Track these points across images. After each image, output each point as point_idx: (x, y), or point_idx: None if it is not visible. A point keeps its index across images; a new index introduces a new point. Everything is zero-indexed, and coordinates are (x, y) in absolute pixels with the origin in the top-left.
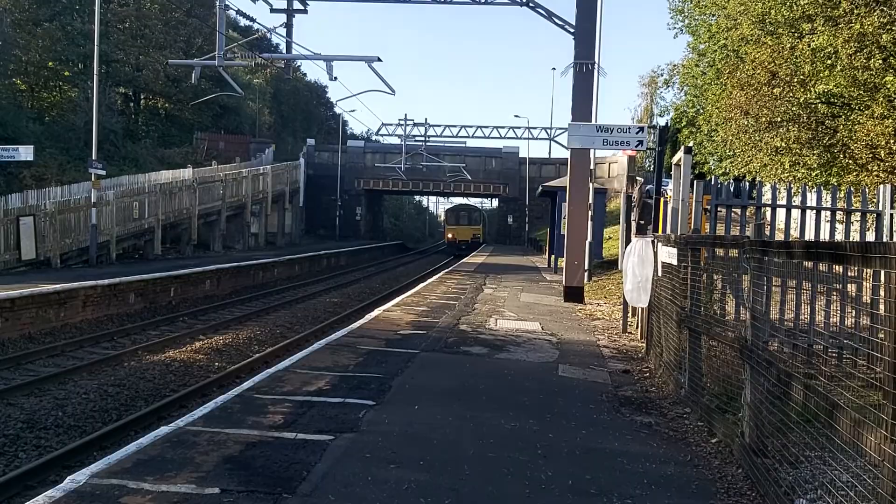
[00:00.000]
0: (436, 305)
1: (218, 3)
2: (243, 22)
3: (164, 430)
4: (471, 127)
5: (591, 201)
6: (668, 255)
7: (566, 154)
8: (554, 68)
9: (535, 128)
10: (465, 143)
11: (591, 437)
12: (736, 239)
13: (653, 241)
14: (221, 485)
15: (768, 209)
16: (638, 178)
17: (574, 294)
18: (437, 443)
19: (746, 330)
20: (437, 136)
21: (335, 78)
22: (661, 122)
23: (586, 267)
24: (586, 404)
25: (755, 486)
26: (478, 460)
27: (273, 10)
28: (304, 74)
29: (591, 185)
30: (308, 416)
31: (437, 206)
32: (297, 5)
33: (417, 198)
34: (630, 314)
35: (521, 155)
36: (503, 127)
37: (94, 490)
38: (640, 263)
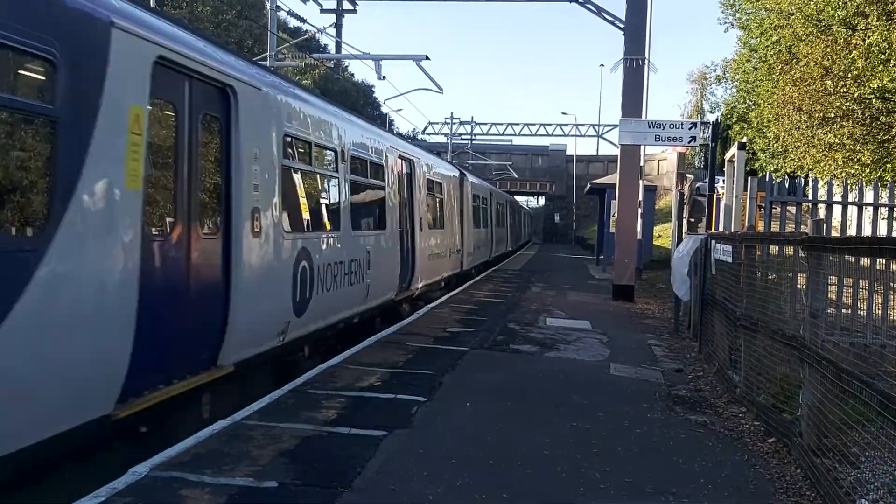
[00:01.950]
0: (483, 303)
1: (269, 5)
2: (293, 23)
3: (220, 423)
4: (517, 125)
5: (640, 199)
6: (723, 252)
7: (614, 151)
8: (602, 65)
9: (582, 125)
10: (511, 140)
11: (645, 436)
12: (794, 236)
13: (706, 239)
14: (278, 478)
15: (823, 206)
16: (688, 174)
17: (624, 292)
18: (489, 440)
19: (804, 328)
20: (483, 134)
21: (384, 77)
22: (711, 118)
23: (636, 265)
24: (639, 403)
25: (815, 487)
26: (531, 458)
27: (323, 11)
28: (352, 74)
29: (640, 182)
30: (361, 412)
31: None
32: (346, 5)
33: None
34: (682, 312)
35: (568, 152)
36: (550, 124)
37: (155, 482)
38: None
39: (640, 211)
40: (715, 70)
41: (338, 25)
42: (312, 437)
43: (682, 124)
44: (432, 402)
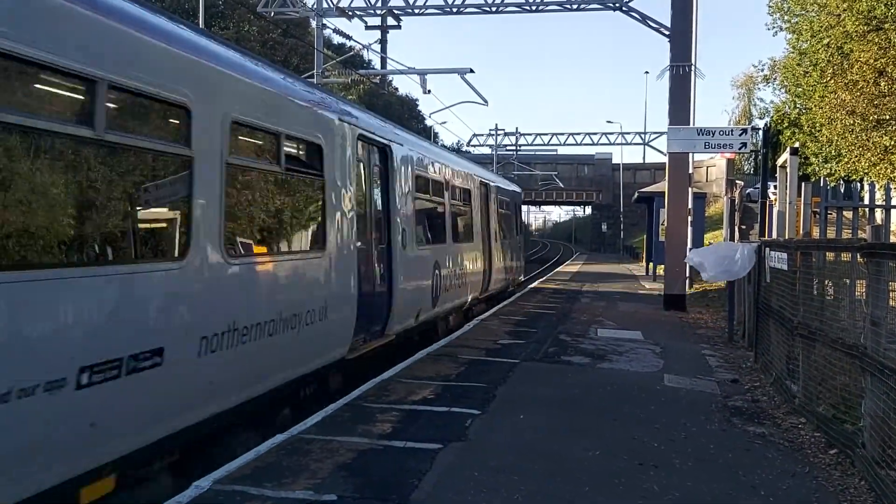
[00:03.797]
0: (533, 315)
1: (316, 23)
2: (337, 40)
3: (279, 437)
4: (562, 134)
5: (690, 206)
6: (778, 260)
7: (661, 159)
8: (647, 72)
9: (628, 133)
10: (556, 150)
11: (702, 448)
12: (852, 242)
13: (760, 246)
14: (337, 491)
15: (881, 210)
16: (737, 181)
17: (675, 302)
18: (545, 452)
19: (865, 337)
20: (527, 144)
21: (429, 91)
22: (761, 123)
23: (687, 274)
24: (695, 415)
25: (880, 499)
26: (587, 470)
27: (368, 28)
28: (396, 89)
29: (690, 189)
30: (415, 425)
31: (529, 214)
32: (391, 21)
33: None
34: (736, 322)
35: (614, 161)
36: (595, 133)
37: (218, 496)
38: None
39: (689, 219)
40: (762, 70)
41: (382, 41)
42: (369, 450)
43: (731, 131)
44: (486, 414)
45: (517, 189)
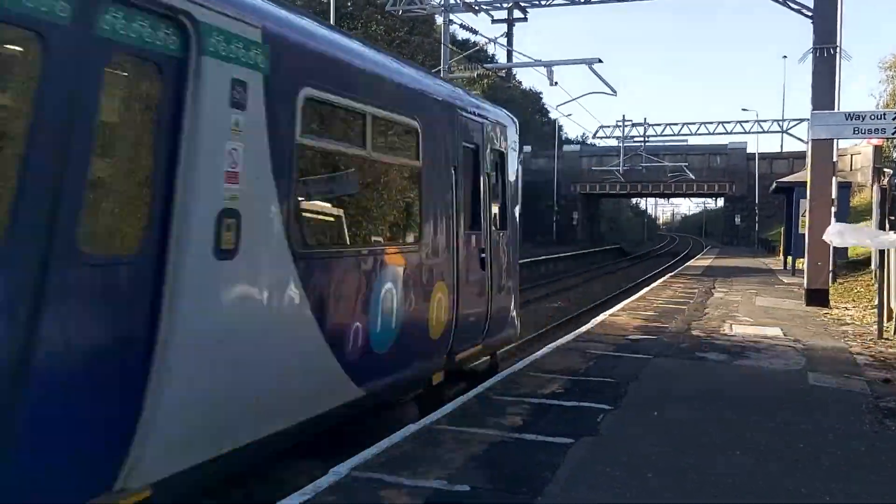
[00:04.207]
0: (663, 310)
1: (443, 19)
2: (461, 35)
3: (412, 427)
4: (693, 124)
5: (834, 196)
6: None
7: (800, 147)
8: (785, 56)
9: (764, 121)
10: (686, 140)
11: (853, 451)
12: None
13: None
14: (470, 482)
15: None
16: (886, 169)
17: (817, 297)
18: (681, 450)
19: None
20: (656, 135)
21: (555, 83)
22: None
23: (830, 268)
24: (844, 415)
25: None
26: (728, 470)
27: (494, 21)
28: (520, 82)
29: (834, 178)
30: (545, 419)
31: (657, 207)
32: (517, 14)
33: (635, 200)
34: (886, 318)
35: (748, 150)
36: (729, 122)
37: (354, 482)
38: None
39: (833, 209)
40: None
41: (509, 34)
42: (499, 442)
43: (884, 115)
44: (618, 410)
45: (496, 114)
